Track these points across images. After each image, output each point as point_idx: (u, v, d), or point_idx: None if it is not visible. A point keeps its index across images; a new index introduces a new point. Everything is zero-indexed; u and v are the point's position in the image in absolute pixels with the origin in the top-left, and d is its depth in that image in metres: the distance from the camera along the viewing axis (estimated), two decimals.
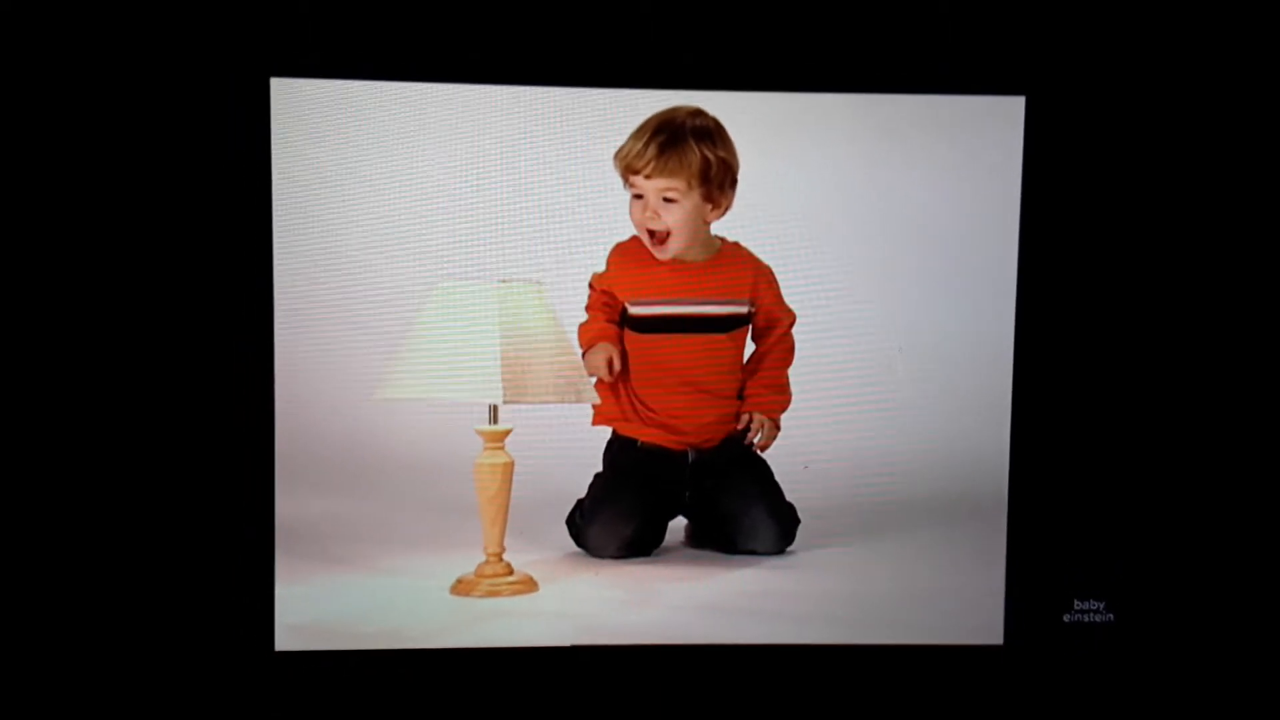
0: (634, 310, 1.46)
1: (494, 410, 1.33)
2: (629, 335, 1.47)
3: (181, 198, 1.23)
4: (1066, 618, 1.31)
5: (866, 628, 1.30)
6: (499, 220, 1.38)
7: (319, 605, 1.28)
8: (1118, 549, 1.31)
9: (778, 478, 1.46)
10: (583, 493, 1.46)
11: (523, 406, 1.32)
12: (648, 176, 1.40)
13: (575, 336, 1.46)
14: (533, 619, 1.29)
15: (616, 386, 1.47)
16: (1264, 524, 1.31)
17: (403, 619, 1.27)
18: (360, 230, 1.39)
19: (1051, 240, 1.29)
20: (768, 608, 1.32)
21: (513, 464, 1.33)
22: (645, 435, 1.46)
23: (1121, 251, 1.30)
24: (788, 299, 1.48)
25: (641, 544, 1.44)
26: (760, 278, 1.47)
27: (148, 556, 1.24)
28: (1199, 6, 1.27)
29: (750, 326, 1.49)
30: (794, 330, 1.48)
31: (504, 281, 1.32)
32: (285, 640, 1.25)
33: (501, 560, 1.33)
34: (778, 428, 1.48)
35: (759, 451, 1.47)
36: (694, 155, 1.40)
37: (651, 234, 1.43)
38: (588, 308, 1.48)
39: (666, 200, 1.41)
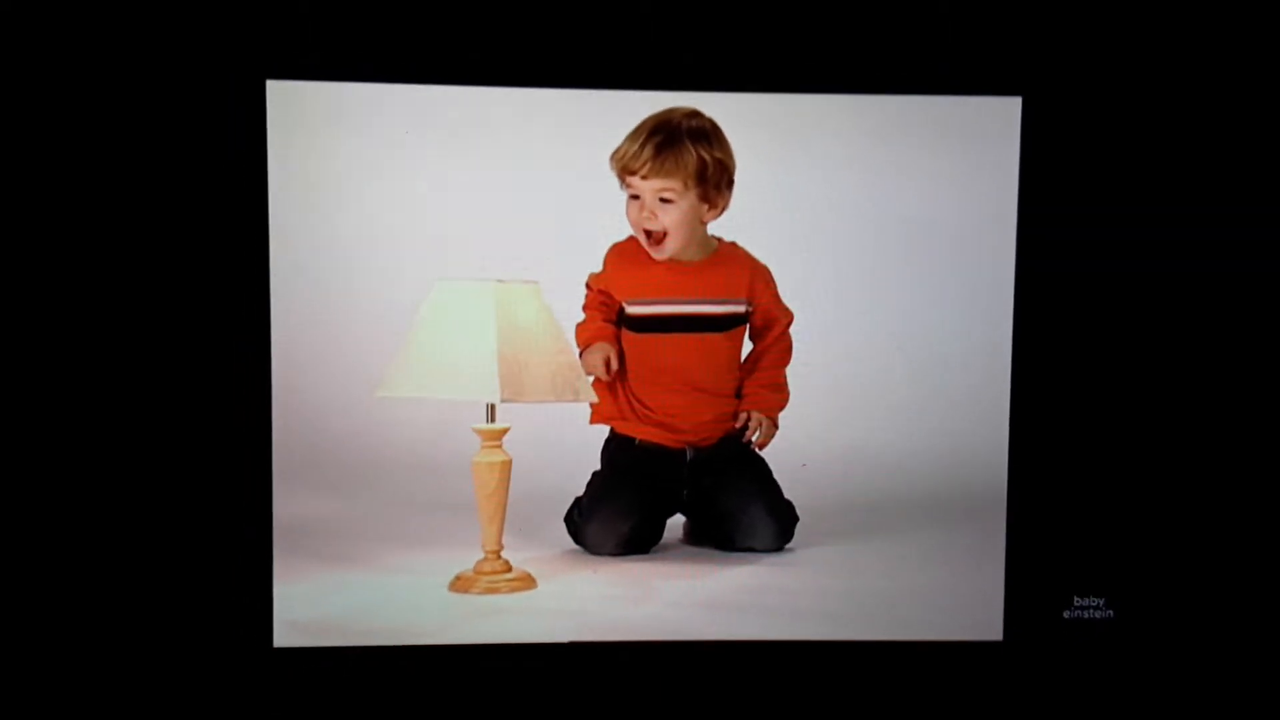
0: (631, 310, 1.47)
1: (491, 409, 1.33)
2: (626, 335, 1.48)
3: (178, 199, 1.23)
4: (1066, 614, 1.30)
5: (865, 624, 1.30)
6: (496, 220, 1.39)
7: (317, 602, 1.29)
8: (1117, 545, 1.30)
9: (776, 476, 1.46)
10: (581, 491, 1.47)
11: (520, 405, 1.32)
12: (644, 177, 1.41)
13: (573, 336, 1.46)
14: (531, 616, 1.29)
15: (614, 385, 1.47)
16: (1263, 521, 1.30)
17: (401, 616, 1.28)
18: (357, 231, 1.40)
19: (1049, 240, 1.29)
20: (766, 605, 1.32)
21: (510, 462, 1.33)
22: (643, 434, 1.47)
23: (1119, 251, 1.29)
24: (785, 298, 1.48)
25: (640, 541, 1.44)
26: (757, 277, 1.47)
27: (146, 554, 1.25)
28: (1197, 7, 1.27)
29: (748, 326, 1.49)
30: (791, 329, 1.48)
31: (501, 281, 1.32)
32: (284, 637, 1.25)
33: (500, 558, 1.34)
34: (776, 426, 1.48)
35: (757, 450, 1.48)
36: (690, 156, 1.40)
37: (648, 234, 1.44)
38: (585, 307, 1.49)
39: (663, 201, 1.42)
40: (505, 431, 1.33)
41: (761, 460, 1.47)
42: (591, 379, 1.44)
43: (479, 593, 1.32)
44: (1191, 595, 1.30)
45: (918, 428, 1.47)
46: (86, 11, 1.22)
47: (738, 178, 1.44)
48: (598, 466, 1.48)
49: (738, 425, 1.47)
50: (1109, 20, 1.27)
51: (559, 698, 1.27)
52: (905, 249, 1.45)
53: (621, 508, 1.43)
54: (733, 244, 1.49)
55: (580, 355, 1.45)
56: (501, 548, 1.34)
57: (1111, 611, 1.30)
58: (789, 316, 1.48)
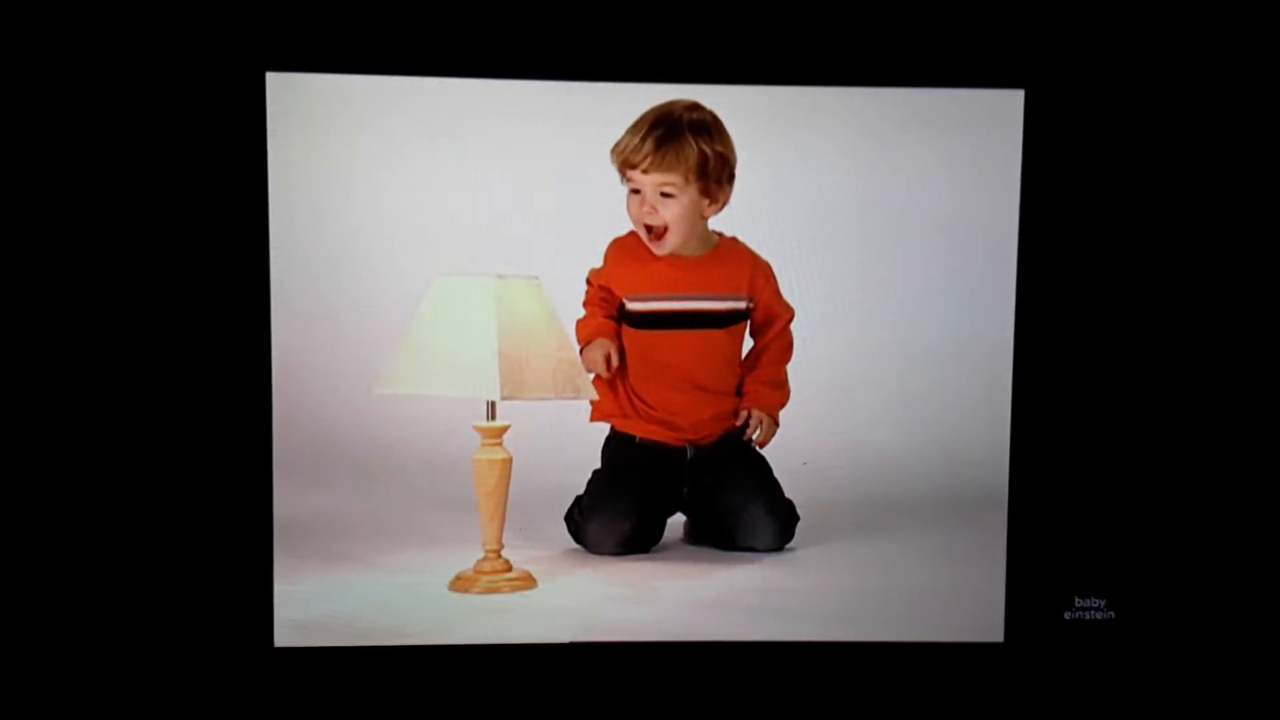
0: (632, 306, 1.46)
1: (492, 406, 1.33)
2: (627, 331, 1.47)
3: (178, 193, 1.23)
4: (1067, 615, 1.30)
5: (866, 625, 1.30)
6: (496, 216, 1.38)
7: (318, 601, 1.28)
8: (1119, 546, 1.30)
9: (777, 474, 1.46)
10: (581, 489, 1.46)
11: (521, 402, 1.32)
12: (645, 171, 1.40)
13: (573, 332, 1.45)
14: (531, 616, 1.28)
15: (614, 382, 1.47)
16: (1265, 521, 1.30)
17: (401, 615, 1.27)
18: (357, 226, 1.39)
19: (1051, 235, 1.29)
20: (767, 605, 1.31)
21: (511, 460, 1.33)
22: (643, 431, 1.46)
23: (1121, 247, 1.29)
24: (786, 294, 1.47)
25: (640, 541, 1.44)
26: (758, 273, 1.47)
27: (147, 553, 1.24)
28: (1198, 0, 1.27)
29: (748, 322, 1.48)
30: (793, 326, 1.48)
31: (501, 277, 1.32)
32: (284, 636, 1.25)
33: (500, 557, 1.33)
34: (776, 424, 1.47)
35: (758, 448, 1.47)
36: (691, 150, 1.39)
37: (649, 229, 1.43)
38: (585, 303, 1.48)
39: (664, 195, 1.41)
40: (506, 429, 1.33)
41: (762, 459, 1.47)
42: (592, 376, 1.43)
43: (479, 592, 1.32)
44: (1193, 596, 1.30)
45: (919, 426, 1.46)
46: (86, 6, 1.20)
47: (738, 171, 1.43)
48: (598, 465, 1.47)
49: (738, 423, 1.46)
50: (1111, 13, 1.27)
51: (559, 698, 1.27)
52: (907, 243, 1.44)
53: (622, 507, 1.42)
54: (734, 239, 1.48)
55: (581, 352, 1.44)
56: (502, 547, 1.33)
57: (1113, 613, 1.30)
58: (790, 313, 1.47)
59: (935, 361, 1.44)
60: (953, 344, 1.42)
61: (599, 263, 1.47)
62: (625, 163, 1.41)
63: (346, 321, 1.39)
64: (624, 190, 1.43)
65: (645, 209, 1.42)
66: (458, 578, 1.33)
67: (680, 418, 1.46)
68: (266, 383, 1.25)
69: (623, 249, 1.46)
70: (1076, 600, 1.30)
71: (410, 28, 1.25)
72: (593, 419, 1.48)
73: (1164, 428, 1.30)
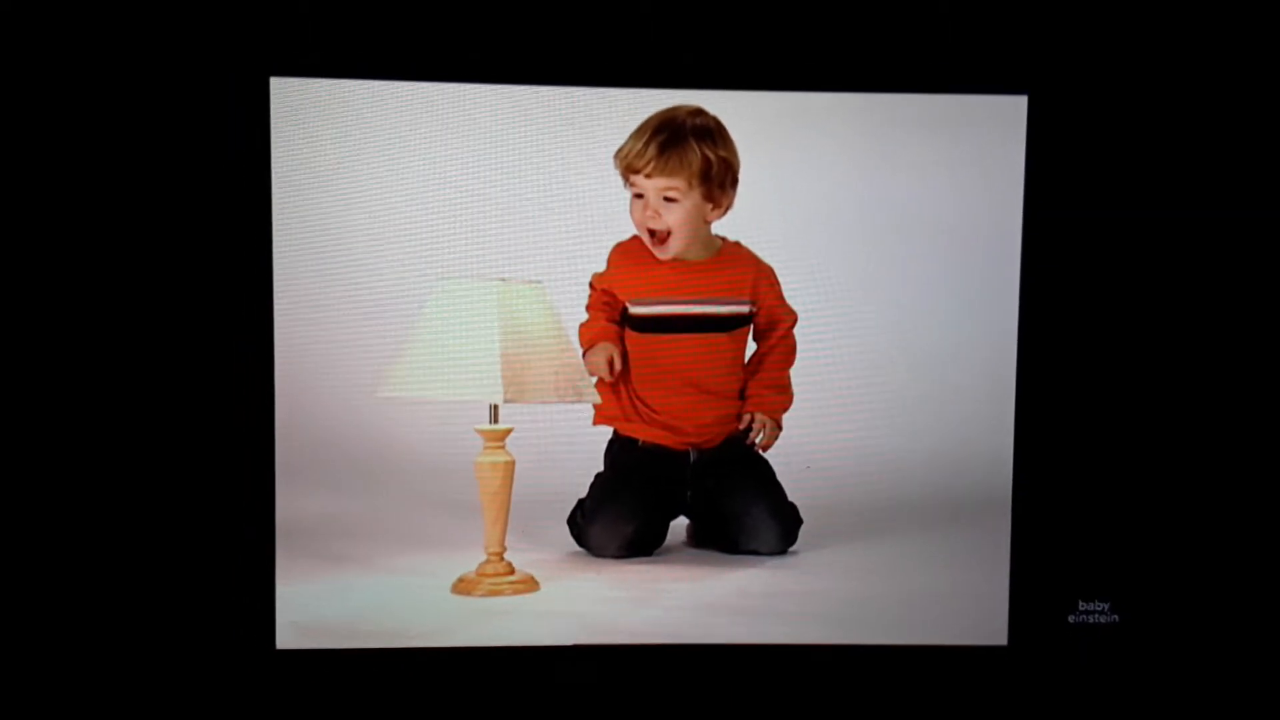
0: (634, 310, 1.46)
1: (494, 409, 1.33)
2: (629, 335, 1.47)
3: (181, 196, 1.23)
4: (1071, 618, 1.30)
5: (869, 628, 1.29)
6: (499, 219, 1.38)
7: (320, 603, 1.28)
8: (1122, 549, 1.30)
9: (780, 478, 1.46)
10: (584, 492, 1.46)
11: (523, 406, 1.32)
12: (648, 176, 1.40)
13: (576, 336, 1.46)
14: (534, 618, 1.28)
15: (617, 386, 1.47)
16: (1268, 525, 1.30)
17: (404, 618, 1.27)
18: (360, 229, 1.39)
19: (1054, 239, 1.29)
20: (769, 608, 1.31)
21: (514, 463, 1.33)
22: (646, 435, 1.46)
23: (1125, 250, 1.29)
24: (789, 298, 1.48)
25: (643, 544, 1.44)
26: (761, 277, 1.47)
27: (149, 554, 1.24)
28: (1202, 5, 1.27)
29: (751, 326, 1.48)
30: (796, 330, 1.48)
31: (504, 281, 1.32)
32: (286, 638, 1.25)
33: (503, 559, 1.33)
34: (780, 427, 1.47)
35: (761, 451, 1.47)
36: (694, 154, 1.40)
37: (652, 233, 1.43)
38: (588, 307, 1.48)
39: (667, 200, 1.41)
40: (508, 432, 1.33)
41: (765, 462, 1.47)
42: (595, 380, 1.44)
43: (481, 595, 1.31)
44: (1197, 599, 1.30)
45: (922, 430, 1.46)
46: (90, 10, 1.21)
47: (742, 176, 1.43)
48: (601, 468, 1.47)
49: (741, 426, 1.46)
50: (1114, 19, 1.27)
51: (562, 701, 1.27)
52: (910, 248, 1.45)
53: (625, 510, 1.42)
54: (736, 243, 1.48)
55: (583, 355, 1.44)
56: (504, 549, 1.33)
57: (1116, 616, 1.30)
58: (793, 317, 1.48)
59: (939, 365, 1.44)
60: (956, 347, 1.42)
61: (602, 266, 1.47)
62: (628, 167, 1.41)
63: (349, 324, 1.39)
64: (627, 195, 1.43)
65: (648, 213, 1.42)
66: (460, 580, 1.33)
67: (683, 421, 1.46)
68: (269, 385, 1.26)
69: (626, 253, 1.46)
70: (1080, 603, 1.30)
71: (413, 33, 1.25)
72: (595, 422, 1.48)
73: (1168, 431, 1.30)
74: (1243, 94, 1.27)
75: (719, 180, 1.42)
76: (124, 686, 1.24)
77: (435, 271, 1.34)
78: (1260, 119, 1.27)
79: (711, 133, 1.40)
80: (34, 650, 1.24)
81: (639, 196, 1.42)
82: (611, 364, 1.45)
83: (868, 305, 1.45)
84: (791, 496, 1.45)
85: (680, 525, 1.50)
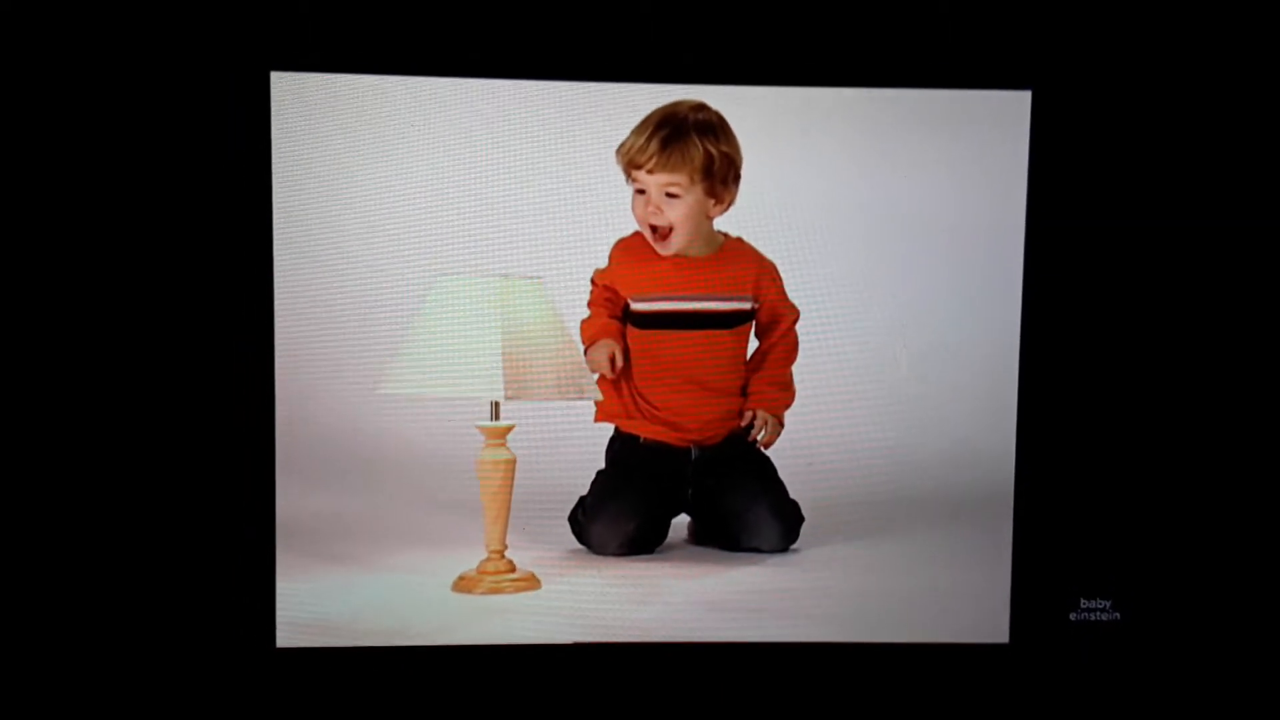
0: (636, 306, 1.46)
1: (496, 407, 1.32)
2: (631, 331, 1.46)
3: (182, 192, 1.23)
4: (1073, 616, 1.30)
5: (871, 626, 1.29)
6: (501, 215, 1.38)
7: (320, 602, 1.28)
8: (1124, 547, 1.30)
9: (781, 475, 1.46)
10: (585, 490, 1.46)
11: (525, 403, 1.31)
12: (650, 171, 1.40)
13: (577, 333, 1.45)
14: (535, 616, 1.28)
15: (619, 383, 1.46)
16: (1270, 523, 1.30)
17: (404, 616, 1.27)
18: (361, 225, 1.39)
19: (1057, 236, 1.29)
20: (771, 605, 1.31)
21: (515, 461, 1.32)
22: (648, 432, 1.46)
23: (1128, 248, 1.29)
24: (791, 295, 1.47)
25: (644, 541, 1.43)
26: (764, 273, 1.46)
27: (149, 553, 1.24)
28: (1204, 2, 1.26)
29: (753, 323, 1.48)
30: (798, 326, 1.47)
31: (506, 277, 1.31)
32: (286, 637, 1.25)
33: (503, 557, 1.33)
34: (781, 424, 1.47)
35: (762, 449, 1.47)
36: (697, 150, 1.39)
37: (654, 229, 1.43)
38: (590, 304, 1.48)
39: (669, 195, 1.41)
40: (509, 429, 1.33)
41: (767, 459, 1.46)
42: (596, 376, 1.43)
43: (482, 593, 1.31)
44: (1198, 598, 1.30)
45: (924, 427, 1.45)
46: (90, 5, 1.20)
47: (744, 172, 1.43)
48: (602, 465, 1.47)
49: (743, 424, 1.46)
50: (1118, 15, 1.27)
51: (563, 699, 1.27)
52: (913, 244, 1.44)
53: (626, 507, 1.42)
54: (739, 239, 1.47)
55: (585, 352, 1.44)
56: (505, 547, 1.33)
57: (1118, 614, 1.30)
58: (795, 313, 1.47)
59: (941, 362, 1.44)
60: (958, 344, 1.41)
61: (604, 263, 1.47)
62: (630, 163, 1.40)
63: (350, 321, 1.38)
64: (629, 190, 1.43)
65: (650, 209, 1.42)
66: (461, 578, 1.32)
67: (685, 418, 1.45)
68: (269, 382, 1.25)
69: (627, 249, 1.46)
70: (1082, 601, 1.30)
71: (414, 27, 1.25)
72: (597, 419, 1.48)
73: (1170, 429, 1.30)
74: (1245, 92, 1.27)
75: (721, 176, 1.41)
76: (125, 684, 1.24)
77: (436, 268, 1.33)
78: (1263, 116, 1.27)
79: (714, 128, 1.40)
80: (35, 648, 1.23)
81: (641, 192, 1.42)
82: (613, 361, 1.45)
83: (870, 302, 1.44)
84: (793, 494, 1.45)
85: (681, 523, 1.50)
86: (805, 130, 1.40)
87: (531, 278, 1.33)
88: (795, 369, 1.48)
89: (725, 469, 1.45)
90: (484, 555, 1.33)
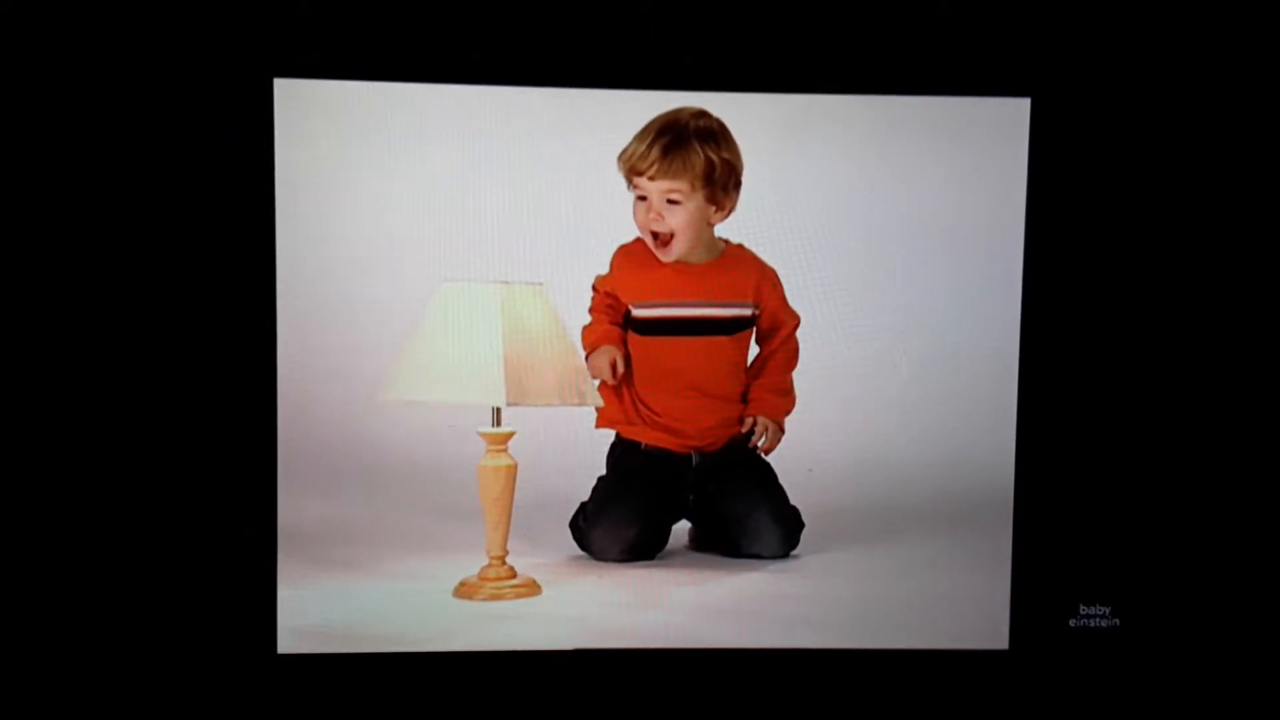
0: (637, 312, 1.46)
1: (497, 413, 1.32)
2: (632, 337, 1.47)
3: (184, 198, 1.23)
4: (1072, 623, 1.30)
5: (871, 632, 1.29)
6: (502, 222, 1.38)
7: (321, 608, 1.28)
8: (1123, 554, 1.30)
9: (782, 481, 1.46)
10: (586, 496, 1.46)
11: (525, 409, 1.31)
12: (651, 178, 1.40)
13: (578, 339, 1.45)
14: (535, 622, 1.28)
15: (620, 389, 1.47)
16: (1268, 530, 1.30)
17: (405, 622, 1.27)
18: (363, 232, 1.39)
19: (1057, 243, 1.29)
20: (771, 611, 1.31)
21: (516, 467, 1.32)
22: (648, 438, 1.46)
23: (1127, 254, 1.29)
24: (792, 301, 1.47)
25: (645, 547, 1.44)
26: (764, 280, 1.46)
27: (150, 558, 1.24)
28: (1204, 8, 1.27)
29: (754, 329, 1.48)
30: (798, 333, 1.48)
31: (507, 283, 1.31)
32: (287, 643, 1.25)
33: (504, 563, 1.33)
34: (782, 431, 1.47)
35: (763, 455, 1.47)
36: (698, 157, 1.39)
37: (655, 236, 1.43)
38: (591, 310, 1.48)
39: (670, 202, 1.41)
40: (510, 436, 1.33)
41: (767, 465, 1.46)
42: (597, 382, 1.43)
43: (483, 599, 1.31)
44: (1197, 604, 1.31)
45: (924, 434, 1.46)
46: (92, 12, 1.20)
47: (745, 179, 1.43)
48: (603, 471, 1.47)
49: (744, 430, 1.46)
50: (1117, 21, 1.27)
51: (564, 705, 1.27)
52: (912, 251, 1.44)
53: (627, 513, 1.42)
54: (740, 246, 1.48)
55: (586, 358, 1.44)
56: (506, 553, 1.33)
57: (1117, 620, 1.30)
58: (796, 320, 1.47)
59: (941, 369, 1.44)
60: (958, 351, 1.42)
61: (605, 269, 1.47)
62: (632, 169, 1.41)
63: (351, 327, 1.39)
64: (630, 197, 1.43)
65: (651, 216, 1.42)
66: (462, 584, 1.33)
67: (685, 424, 1.46)
68: (271, 388, 1.25)
69: (629, 255, 1.46)
70: (1081, 607, 1.30)
71: (416, 34, 1.25)
72: (598, 425, 1.48)
73: (1169, 435, 1.30)
74: (1245, 97, 1.27)
75: (722, 183, 1.41)
76: (126, 691, 1.24)
77: (437, 274, 1.33)
78: (1262, 122, 1.28)
79: (715, 135, 1.40)
80: (36, 654, 1.23)
81: (642, 199, 1.42)
82: (614, 367, 1.45)
83: (870, 308, 1.44)
84: (793, 500, 1.45)
85: (682, 529, 1.50)
86: (805, 137, 1.40)
87: (533, 284, 1.33)
88: (796, 375, 1.48)
89: (726, 475, 1.45)
90: (485, 561, 1.33)
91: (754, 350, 1.50)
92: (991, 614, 1.30)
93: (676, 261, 1.44)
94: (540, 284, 1.34)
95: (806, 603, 1.33)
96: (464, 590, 1.32)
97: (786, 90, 1.30)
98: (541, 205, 1.40)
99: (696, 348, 1.45)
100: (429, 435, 1.43)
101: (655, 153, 1.39)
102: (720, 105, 1.39)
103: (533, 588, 1.33)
